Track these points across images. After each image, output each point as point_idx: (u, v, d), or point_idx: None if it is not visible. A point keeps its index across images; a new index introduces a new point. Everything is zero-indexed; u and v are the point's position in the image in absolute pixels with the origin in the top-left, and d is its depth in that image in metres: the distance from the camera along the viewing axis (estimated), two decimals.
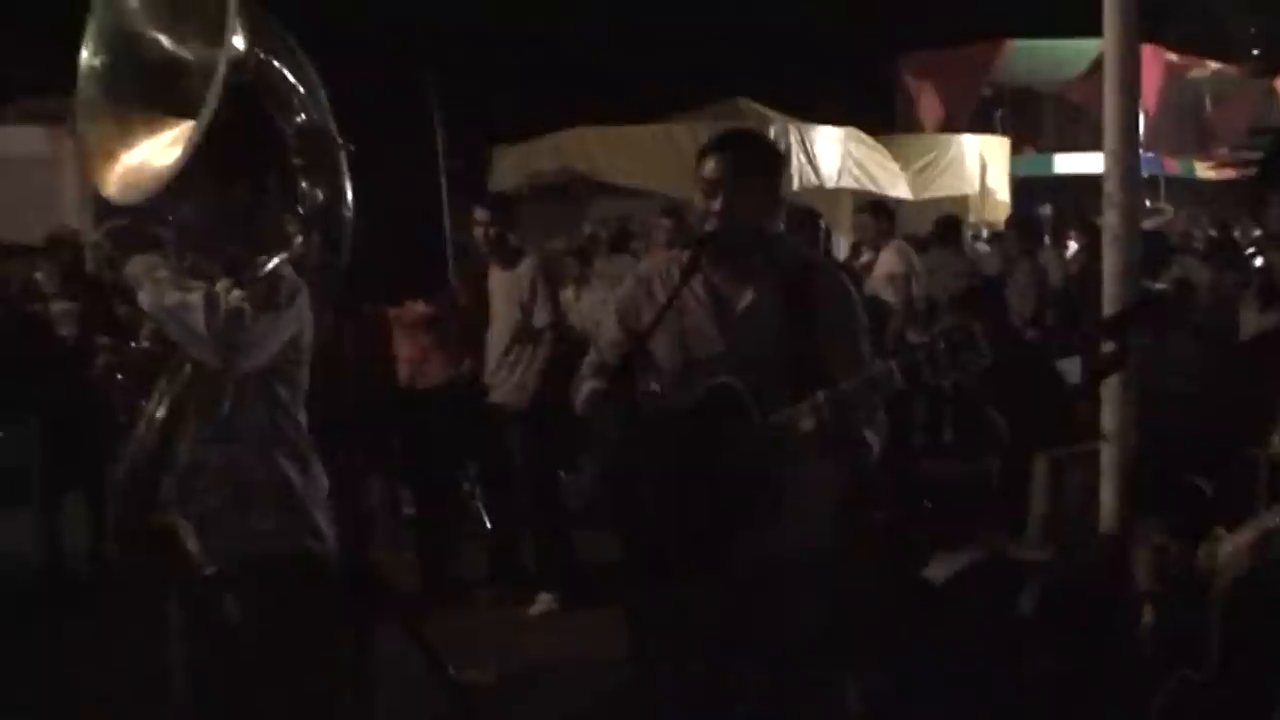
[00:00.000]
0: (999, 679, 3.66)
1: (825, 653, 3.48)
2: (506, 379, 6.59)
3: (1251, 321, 5.06)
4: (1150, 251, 4.89)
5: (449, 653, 4.51)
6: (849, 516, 3.97)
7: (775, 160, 3.80)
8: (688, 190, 13.52)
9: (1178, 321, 3.15)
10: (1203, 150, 24.53)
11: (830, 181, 15.62)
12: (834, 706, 3.64)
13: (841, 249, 12.59)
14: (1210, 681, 2.22)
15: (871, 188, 16.06)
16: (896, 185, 16.93)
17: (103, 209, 3.30)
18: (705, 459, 3.27)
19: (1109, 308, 4.48)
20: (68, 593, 7.12)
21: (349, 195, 3.24)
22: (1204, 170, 24.18)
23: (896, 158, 17.66)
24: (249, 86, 2.92)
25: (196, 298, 2.95)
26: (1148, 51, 21.03)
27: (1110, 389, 3.87)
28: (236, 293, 2.96)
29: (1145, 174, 21.97)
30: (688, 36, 25.99)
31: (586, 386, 3.60)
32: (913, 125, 23.11)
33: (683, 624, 3.45)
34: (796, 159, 15.04)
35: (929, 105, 23.91)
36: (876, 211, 10.35)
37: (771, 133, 14.94)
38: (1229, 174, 20.07)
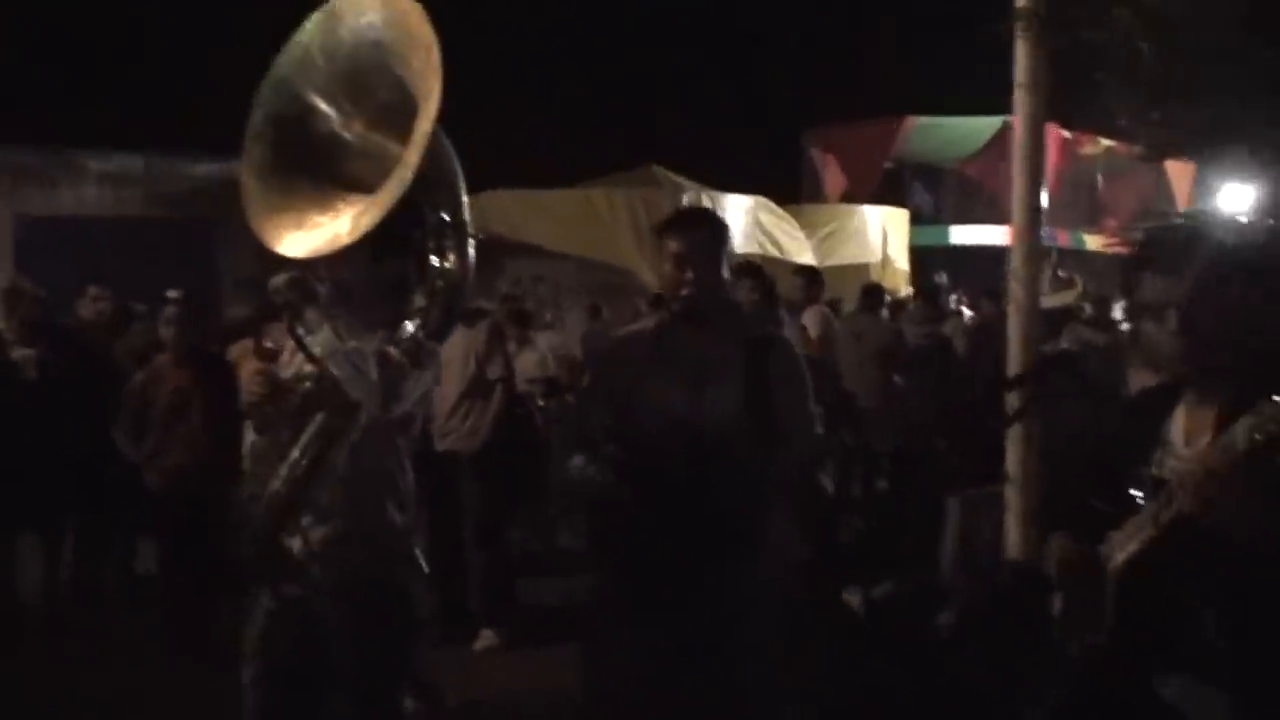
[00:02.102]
0: (923, 691, 4.18)
1: (772, 677, 3.99)
2: (458, 427, 7.07)
3: (1138, 380, 5.62)
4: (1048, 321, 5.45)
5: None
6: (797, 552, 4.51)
7: (726, 231, 4.34)
8: (603, 252, 14.06)
9: (1070, 381, 3.65)
10: (1093, 225, 25.32)
11: (740, 247, 16.18)
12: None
13: None
14: (1105, 644, 2.75)
15: (778, 254, 16.66)
16: (802, 252, 17.54)
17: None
18: (684, 504, 3.78)
19: (1012, 369, 5.05)
20: (17, 634, 7.23)
21: (471, 274, 3.68)
22: (1093, 243, 25.04)
23: (802, 226, 18.31)
24: (416, 179, 3.23)
25: (371, 348, 3.34)
26: (1047, 129, 21.96)
27: (1014, 439, 4.40)
28: (396, 350, 3.39)
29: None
30: (605, 106, 26.65)
31: (578, 461, 4.06)
32: (818, 196, 23.87)
33: (642, 655, 3.92)
34: None
35: (832, 177, 24.76)
36: (807, 276, 10.89)
37: (684, 199, 15.59)
38: (1118, 248, 20.85)
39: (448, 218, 3.52)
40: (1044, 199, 5.26)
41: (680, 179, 17.70)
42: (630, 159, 18.72)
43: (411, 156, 3.19)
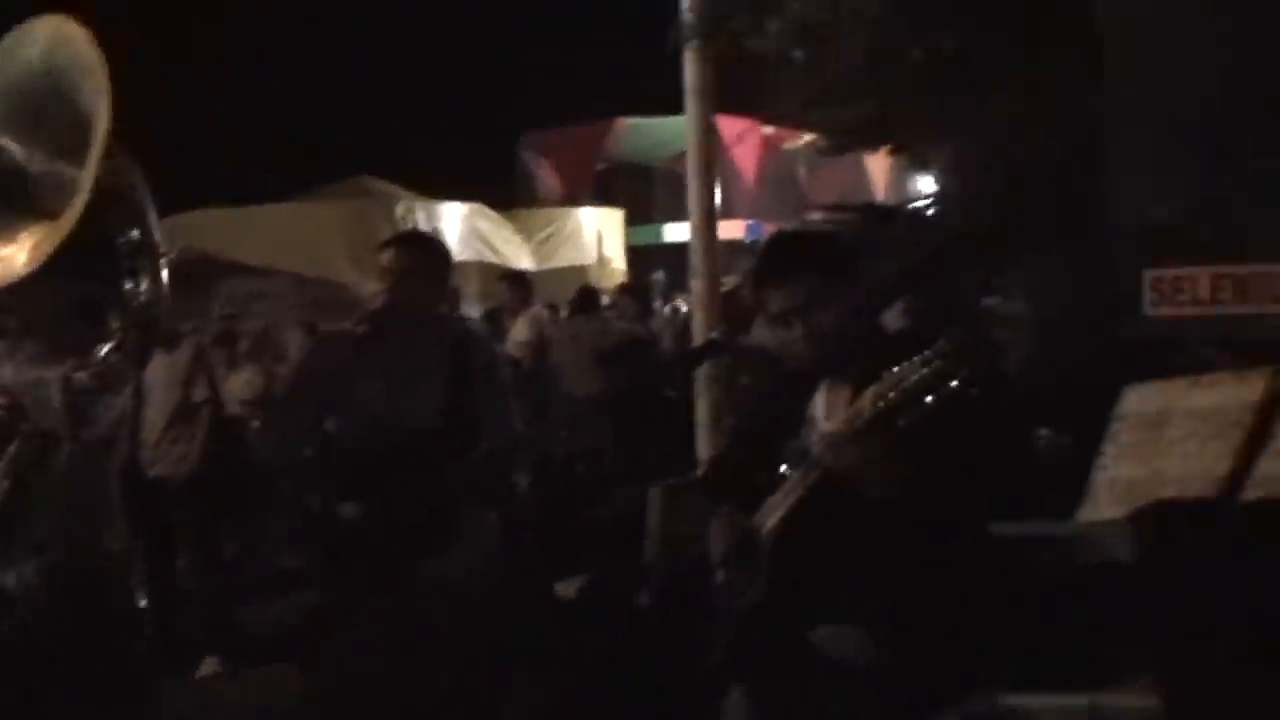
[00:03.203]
0: (621, 668, 4.44)
1: (484, 668, 4.19)
2: (167, 453, 7.01)
3: None
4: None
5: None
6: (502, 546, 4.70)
7: (443, 254, 4.55)
8: (316, 267, 13.93)
9: (731, 365, 4.03)
10: (799, 217, 26.22)
11: (457, 254, 16.16)
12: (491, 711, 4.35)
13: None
14: (761, 601, 3.05)
15: (495, 260, 16.85)
16: (520, 257, 17.76)
17: None
18: (384, 503, 3.93)
19: None
20: None
21: (165, 295, 3.69)
22: None
23: (519, 230, 18.53)
24: (95, 201, 3.29)
25: (55, 375, 3.35)
26: (746, 125, 22.69)
27: (702, 425, 4.70)
28: (82, 375, 3.39)
29: (749, 240, 23.62)
30: (312, 117, 26.27)
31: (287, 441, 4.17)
32: (533, 200, 24.12)
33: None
34: None
35: (547, 180, 25.04)
36: (514, 282, 11.13)
37: (398, 210, 15.59)
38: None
39: (137, 238, 3.56)
40: (723, 194, 5.54)
41: (393, 188, 17.66)
42: (341, 169, 18.56)
43: (86, 180, 3.24)
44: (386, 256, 4.22)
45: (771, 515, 3.02)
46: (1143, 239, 2.59)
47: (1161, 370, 4.14)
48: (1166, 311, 2.47)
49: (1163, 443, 4.62)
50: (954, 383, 2.57)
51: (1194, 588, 3.06)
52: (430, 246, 4.54)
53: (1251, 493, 4.08)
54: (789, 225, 24.70)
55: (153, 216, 3.67)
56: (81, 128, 3.35)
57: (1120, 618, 3.36)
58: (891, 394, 2.69)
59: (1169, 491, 4.38)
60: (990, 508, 3.03)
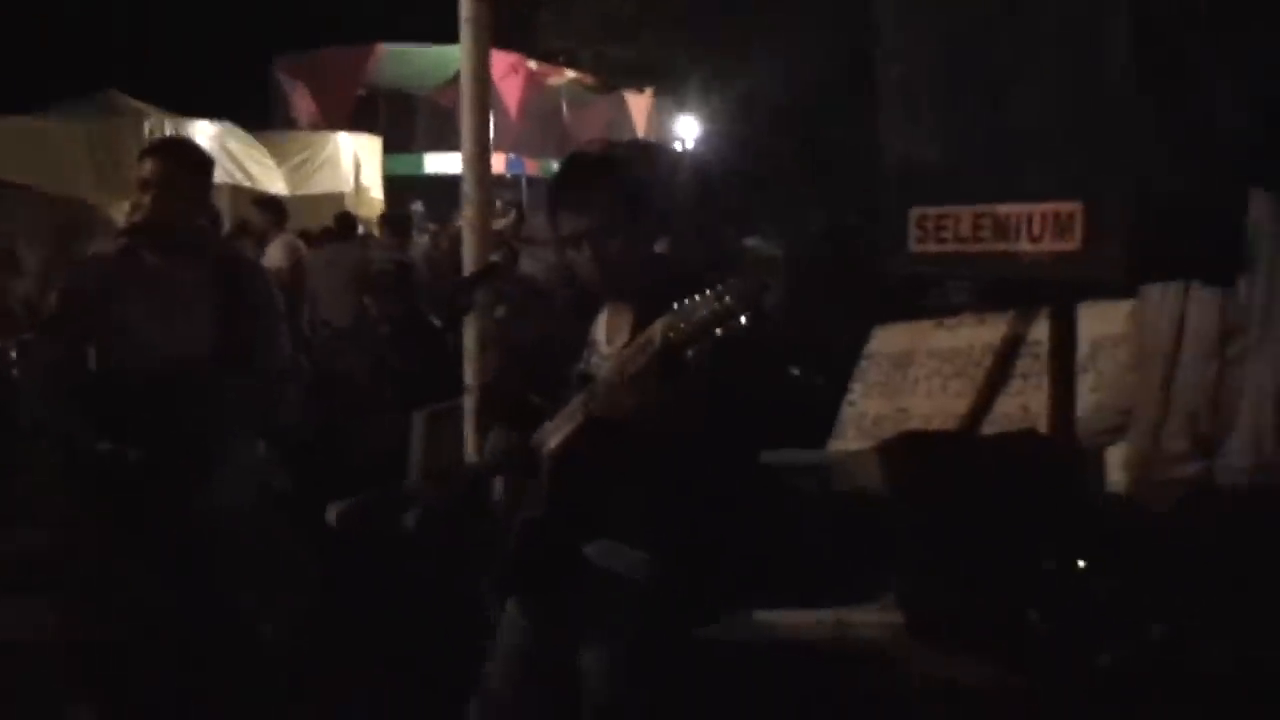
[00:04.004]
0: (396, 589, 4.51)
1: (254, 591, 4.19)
2: None
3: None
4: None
5: None
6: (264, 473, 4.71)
7: (205, 163, 4.41)
8: (60, 184, 13.31)
9: (503, 292, 4.16)
10: (561, 153, 26.32)
11: None
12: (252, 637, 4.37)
13: None
14: (540, 517, 3.16)
15: (246, 183, 16.42)
16: (272, 181, 17.35)
17: None
18: (150, 430, 3.86)
19: None
20: None
21: None
22: None
23: (273, 154, 18.09)
24: None
25: None
26: (511, 60, 22.60)
27: (469, 351, 4.75)
28: None
29: (510, 175, 23.60)
30: (56, 27, 24.98)
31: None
32: (289, 123, 23.53)
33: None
34: None
35: (304, 104, 24.45)
36: (266, 206, 10.90)
37: (146, 126, 15.01)
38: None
39: None
40: (493, 129, 5.57)
41: (142, 105, 16.95)
42: (88, 83, 17.73)
43: None
44: (146, 167, 4.04)
45: (553, 437, 3.12)
46: (909, 180, 2.76)
47: (919, 308, 4.40)
48: (931, 249, 2.64)
49: (908, 381, 4.92)
50: (740, 319, 2.69)
51: (932, 514, 3.27)
52: (193, 154, 4.34)
53: (988, 429, 4.40)
54: (542, 163, 24.89)
55: None
56: None
57: (865, 541, 3.57)
58: (682, 325, 2.78)
59: (912, 426, 4.67)
60: (755, 438, 3.20)
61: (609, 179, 3.14)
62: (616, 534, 3.08)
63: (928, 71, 2.65)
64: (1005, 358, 4.52)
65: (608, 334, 3.24)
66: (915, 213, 2.67)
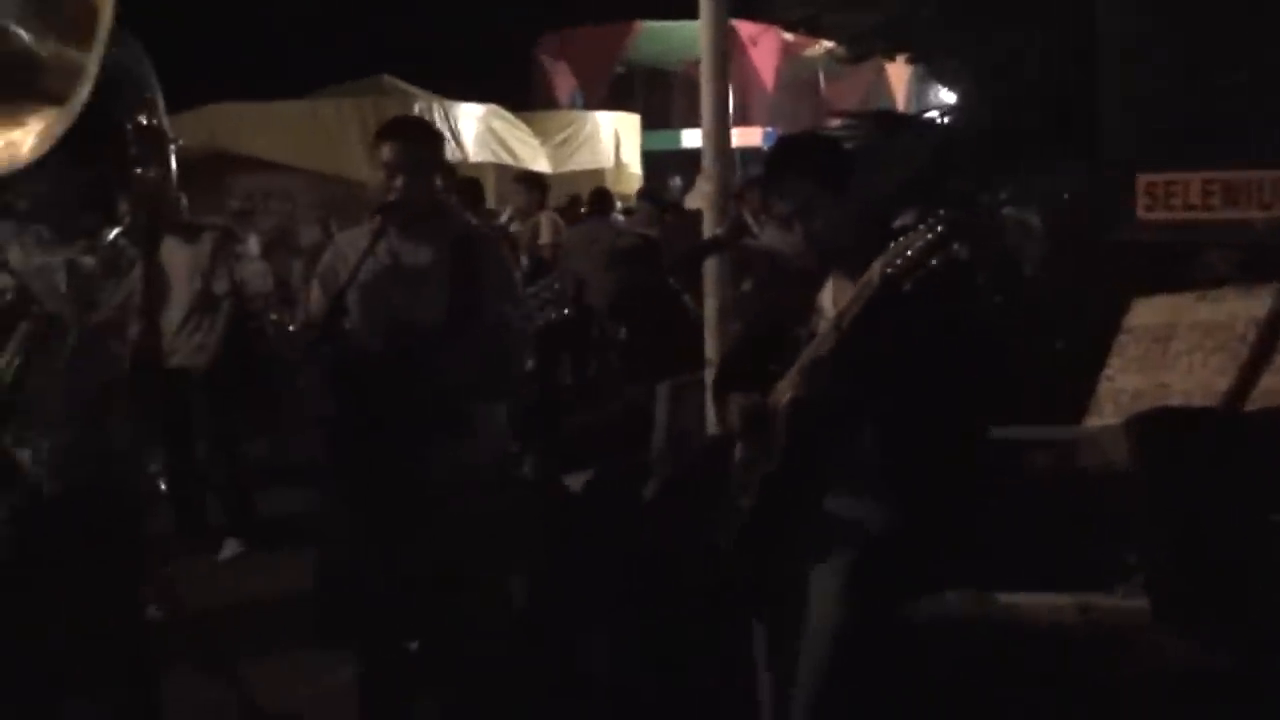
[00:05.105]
0: (629, 560, 4.58)
1: (493, 553, 4.33)
2: (186, 343, 7.12)
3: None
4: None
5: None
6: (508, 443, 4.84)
7: (439, 139, 4.59)
8: (333, 165, 13.89)
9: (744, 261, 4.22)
10: (818, 125, 26.10)
11: (473, 156, 16.22)
12: (498, 598, 4.51)
13: None
14: (775, 472, 3.21)
15: (512, 162, 16.80)
16: (536, 159, 17.70)
17: None
18: (391, 397, 4.04)
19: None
20: None
21: (174, 180, 3.77)
22: None
23: (536, 133, 18.42)
24: (103, 86, 3.31)
25: (59, 259, 3.45)
26: (764, 29, 22.52)
27: (709, 325, 4.77)
28: (89, 259, 3.48)
29: (767, 148, 23.50)
30: (334, 14, 26.09)
31: (303, 338, 4.28)
32: (550, 102, 24.00)
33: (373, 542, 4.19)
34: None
35: (564, 83, 24.92)
36: (530, 184, 11.16)
37: (416, 109, 15.49)
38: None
39: (144, 124, 3.63)
40: (741, 100, 5.56)
41: (411, 88, 17.55)
42: (360, 68, 18.45)
43: (91, 64, 3.30)
44: (387, 149, 4.20)
45: (784, 394, 3.18)
46: (1136, 146, 2.66)
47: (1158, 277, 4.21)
48: (1160, 216, 2.54)
49: (1168, 355, 4.70)
50: (954, 247, 2.73)
51: (1185, 494, 3.15)
52: (426, 131, 4.54)
53: (1253, 406, 4.17)
54: (796, 132, 24.79)
55: (160, 103, 3.73)
56: (90, 12, 3.40)
57: (1117, 522, 3.46)
58: (898, 260, 2.83)
59: (1173, 403, 4.47)
60: (983, 371, 3.21)
61: (810, 160, 3.28)
62: (852, 488, 3.11)
63: (1151, 38, 2.54)
64: (1271, 331, 4.27)
65: (834, 300, 3.28)
66: (1143, 180, 2.57)
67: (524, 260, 9.92)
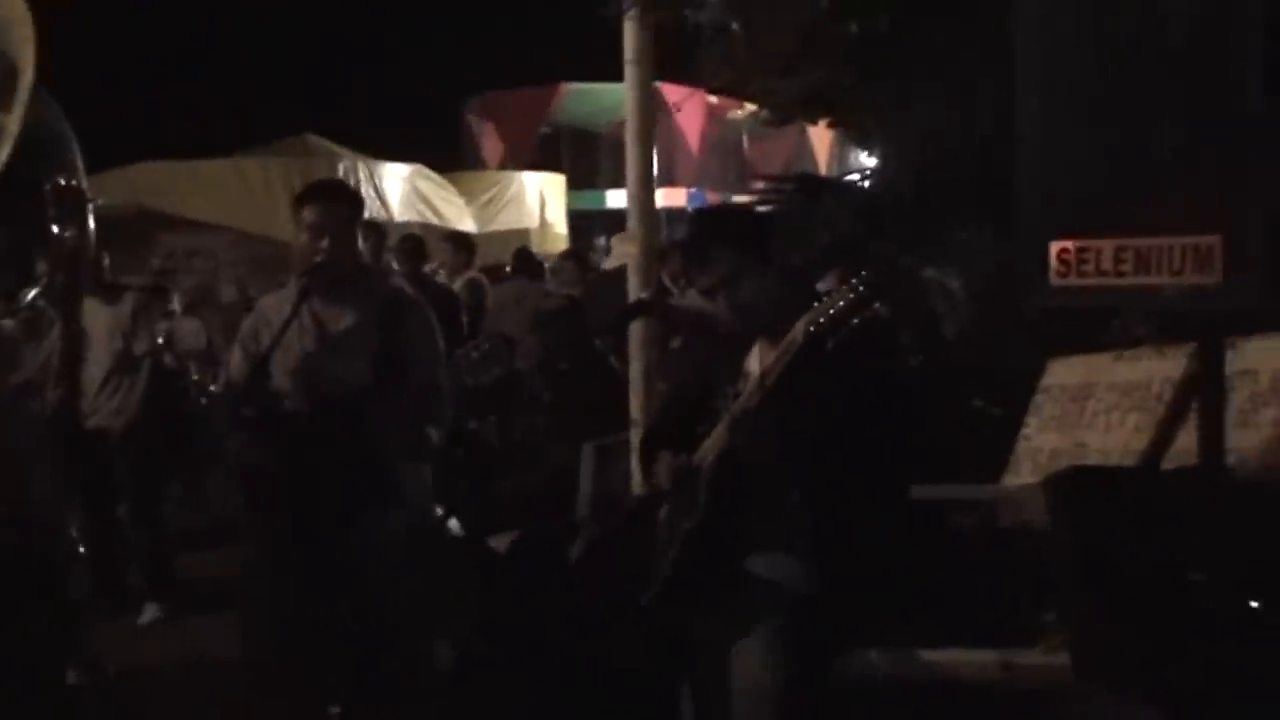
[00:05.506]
0: (557, 617, 4.57)
1: (422, 614, 4.31)
2: (106, 404, 7.02)
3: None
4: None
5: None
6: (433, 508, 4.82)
7: (359, 201, 4.62)
8: (258, 224, 13.81)
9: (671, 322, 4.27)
10: (742, 186, 26.31)
11: (399, 215, 16.23)
12: (423, 660, 4.48)
13: None
14: (697, 527, 3.23)
15: (437, 221, 16.78)
16: (462, 219, 17.74)
17: None
18: (324, 456, 4.01)
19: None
20: None
21: (92, 240, 3.73)
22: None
23: (461, 193, 18.51)
24: (23, 146, 3.33)
25: None
26: (690, 93, 22.71)
27: (636, 384, 4.81)
28: (7, 320, 3.43)
29: (691, 208, 23.68)
30: (259, 73, 26.05)
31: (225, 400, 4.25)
32: (477, 163, 24.05)
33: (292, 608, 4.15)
34: (365, 193, 15.61)
35: (491, 144, 24.98)
36: (458, 244, 11.18)
37: (340, 169, 15.52)
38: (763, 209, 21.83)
39: (63, 185, 3.61)
40: (666, 162, 5.64)
41: (336, 148, 17.56)
42: (286, 128, 18.42)
43: (11, 125, 3.29)
44: (310, 213, 4.22)
45: (711, 451, 3.21)
46: (1051, 212, 2.74)
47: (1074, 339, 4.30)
48: (1072, 282, 2.61)
49: (1085, 414, 4.78)
50: (876, 306, 2.79)
51: (1103, 552, 3.19)
52: (349, 197, 4.58)
53: (1170, 465, 4.25)
54: (724, 197, 25.06)
55: (79, 164, 3.72)
56: (11, 73, 3.40)
57: (1036, 580, 3.50)
58: (821, 319, 2.87)
59: (1090, 461, 4.54)
60: (905, 426, 3.25)
61: (730, 232, 3.33)
62: (774, 546, 3.13)
63: (1064, 103, 2.62)
64: (1186, 391, 4.37)
65: (761, 364, 3.30)
66: (1056, 246, 2.64)
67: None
